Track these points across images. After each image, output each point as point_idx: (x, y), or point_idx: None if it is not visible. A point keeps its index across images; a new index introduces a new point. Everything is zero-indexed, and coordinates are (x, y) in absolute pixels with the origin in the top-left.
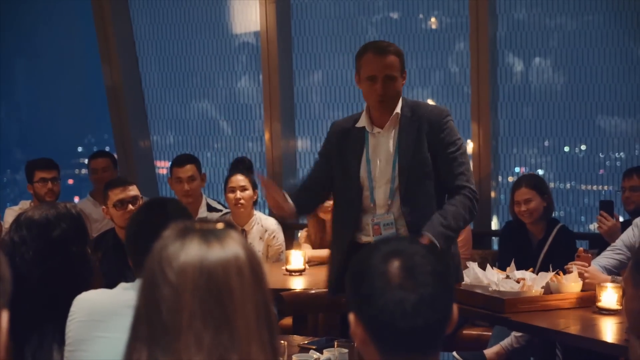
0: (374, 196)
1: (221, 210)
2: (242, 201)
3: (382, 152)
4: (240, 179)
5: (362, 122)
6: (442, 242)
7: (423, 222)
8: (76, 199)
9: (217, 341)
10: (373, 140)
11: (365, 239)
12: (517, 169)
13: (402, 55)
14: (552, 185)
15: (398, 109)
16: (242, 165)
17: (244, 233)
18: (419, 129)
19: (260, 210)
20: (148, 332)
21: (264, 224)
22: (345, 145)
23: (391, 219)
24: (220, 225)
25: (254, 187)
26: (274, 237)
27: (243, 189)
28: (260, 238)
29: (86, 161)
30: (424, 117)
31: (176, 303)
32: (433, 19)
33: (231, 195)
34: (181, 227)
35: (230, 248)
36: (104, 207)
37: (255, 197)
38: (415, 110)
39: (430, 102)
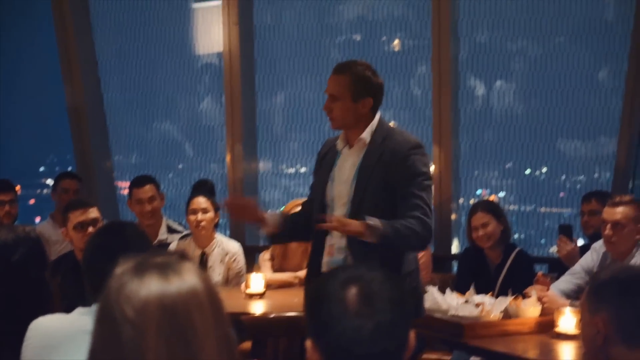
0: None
1: (181, 232)
2: (203, 223)
3: (344, 172)
4: (201, 201)
5: (340, 140)
6: (384, 228)
7: (367, 253)
8: (37, 220)
9: None
10: (341, 159)
11: (324, 259)
12: (478, 192)
13: (358, 79)
14: (513, 207)
15: (366, 134)
16: (204, 188)
17: (205, 256)
18: (380, 158)
19: (222, 232)
20: None
21: (225, 246)
22: (323, 162)
23: (343, 242)
24: (174, 258)
25: (216, 209)
26: (235, 260)
27: (204, 211)
28: (221, 261)
29: (48, 181)
30: (389, 147)
31: (140, 344)
32: (396, 41)
33: (192, 217)
34: (136, 262)
35: (188, 281)
36: (63, 229)
37: (216, 220)
38: (385, 138)
39: (405, 133)
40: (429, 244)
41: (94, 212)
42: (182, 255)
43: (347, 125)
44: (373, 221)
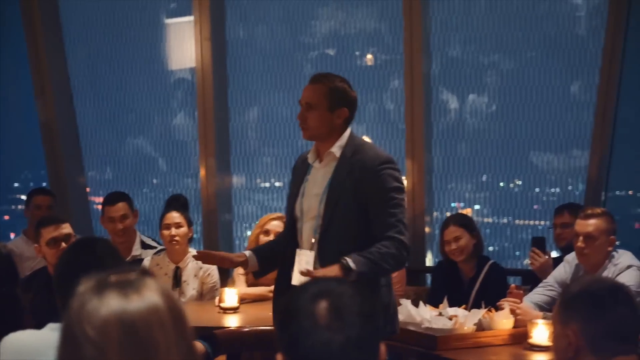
0: (302, 231)
1: (155, 247)
2: (177, 238)
3: (314, 187)
4: (175, 216)
5: (311, 154)
6: (359, 266)
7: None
8: (12, 236)
9: None
10: (312, 174)
11: (294, 272)
12: (453, 204)
13: (335, 89)
14: (487, 220)
15: (335, 148)
16: (176, 203)
17: (179, 270)
18: (349, 172)
19: (196, 247)
20: None
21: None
22: (295, 176)
23: (311, 257)
24: (134, 275)
25: (189, 224)
26: (208, 274)
27: (178, 225)
28: (195, 275)
29: (23, 197)
30: (359, 162)
31: None
32: (369, 56)
33: (166, 232)
34: (96, 281)
35: (148, 298)
36: (36, 245)
37: (190, 235)
38: (355, 152)
39: (376, 148)
40: (407, 262)
41: (66, 228)
42: (144, 272)
43: (320, 135)
44: (348, 261)
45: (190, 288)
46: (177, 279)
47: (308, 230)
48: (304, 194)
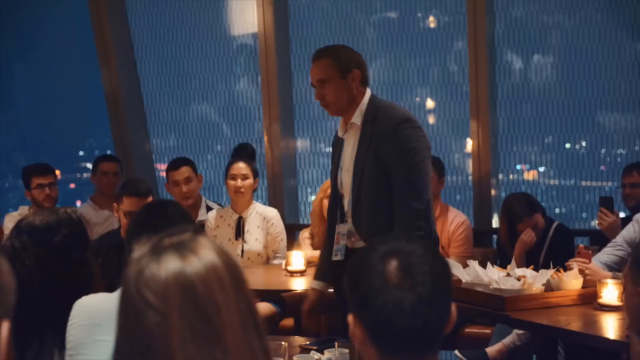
0: (343, 204)
1: None
2: (242, 190)
3: (346, 160)
4: (242, 167)
5: (340, 128)
6: None
7: (375, 235)
8: (78, 203)
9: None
10: (345, 147)
11: (334, 246)
12: (518, 167)
13: (340, 57)
14: (553, 182)
15: (356, 118)
16: (244, 152)
17: (242, 220)
18: (370, 142)
19: (258, 200)
20: None
21: (262, 211)
22: (334, 151)
23: (346, 229)
24: (188, 235)
25: (255, 175)
26: (272, 224)
27: (244, 177)
28: (259, 226)
29: (88, 165)
30: (377, 128)
31: (165, 328)
32: (431, 18)
33: (232, 183)
34: (151, 246)
35: (205, 258)
36: (115, 204)
37: (255, 186)
38: (375, 116)
39: (394, 108)
40: (430, 230)
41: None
42: (197, 232)
43: (343, 107)
44: None
45: (253, 238)
46: (239, 229)
47: (347, 204)
48: (341, 168)
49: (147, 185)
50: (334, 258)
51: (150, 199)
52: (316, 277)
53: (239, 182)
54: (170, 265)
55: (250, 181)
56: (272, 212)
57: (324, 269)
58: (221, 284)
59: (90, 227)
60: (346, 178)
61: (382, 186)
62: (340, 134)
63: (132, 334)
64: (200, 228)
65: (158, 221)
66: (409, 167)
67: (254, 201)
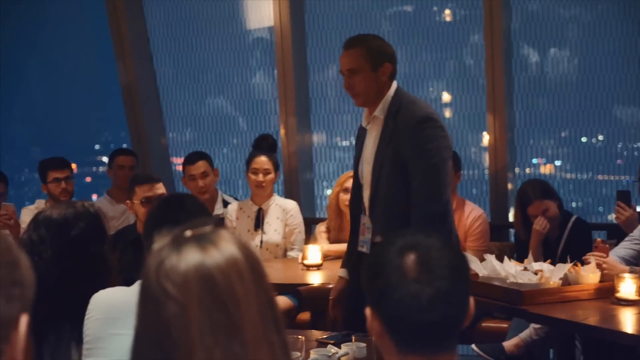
0: (363, 196)
1: None
2: (264, 184)
3: (367, 153)
4: (264, 161)
5: (364, 118)
6: None
7: (392, 230)
8: (94, 197)
9: (229, 353)
10: (367, 138)
11: (360, 238)
12: (534, 160)
13: (372, 48)
14: (570, 176)
15: (379, 111)
16: (265, 144)
17: (262, 212)
18: (391, 137)
19: (277, 193)
20: (156, 356)
21: (281, 203)
22: (357, 143)
23: (369, 222)
24: (209, 228)
25: (276, 168)
26: (291, 215)
27: (266, 172)
28: (278, 217)
29: (104, 159)
30: (402, 121)
31: (184, 320)
32: (447, 11)
33: (253, 177)
34: (172, 237)
35: (226, 250)
36: (128, 201)
37: (276, 179)
38: (398, 111)
39: (417, 105)
40: (449, 230)
41: (160, 188)
42: (218, 224)
43: (370, 98)
44: None
45: (272, 229)
46: (259, 220)
47: (366, 196)
48: (362, 160)
49: (155, 175)
50: (360, 249)
51: (160, 184)
52: (344, 265)
53: (261, 177)
54: (190, 257)
55: (271, 176)
56: (292, 204)
57: (351, 258)
58: (241, 277)
59: (106, 220)
60: (367, 170)
61: (400, 184)
62: (364, 124)
63: (151, 325)
64: (220, 221)
65: (175, 215)
66: (427, 168)
67: (274, 194)
